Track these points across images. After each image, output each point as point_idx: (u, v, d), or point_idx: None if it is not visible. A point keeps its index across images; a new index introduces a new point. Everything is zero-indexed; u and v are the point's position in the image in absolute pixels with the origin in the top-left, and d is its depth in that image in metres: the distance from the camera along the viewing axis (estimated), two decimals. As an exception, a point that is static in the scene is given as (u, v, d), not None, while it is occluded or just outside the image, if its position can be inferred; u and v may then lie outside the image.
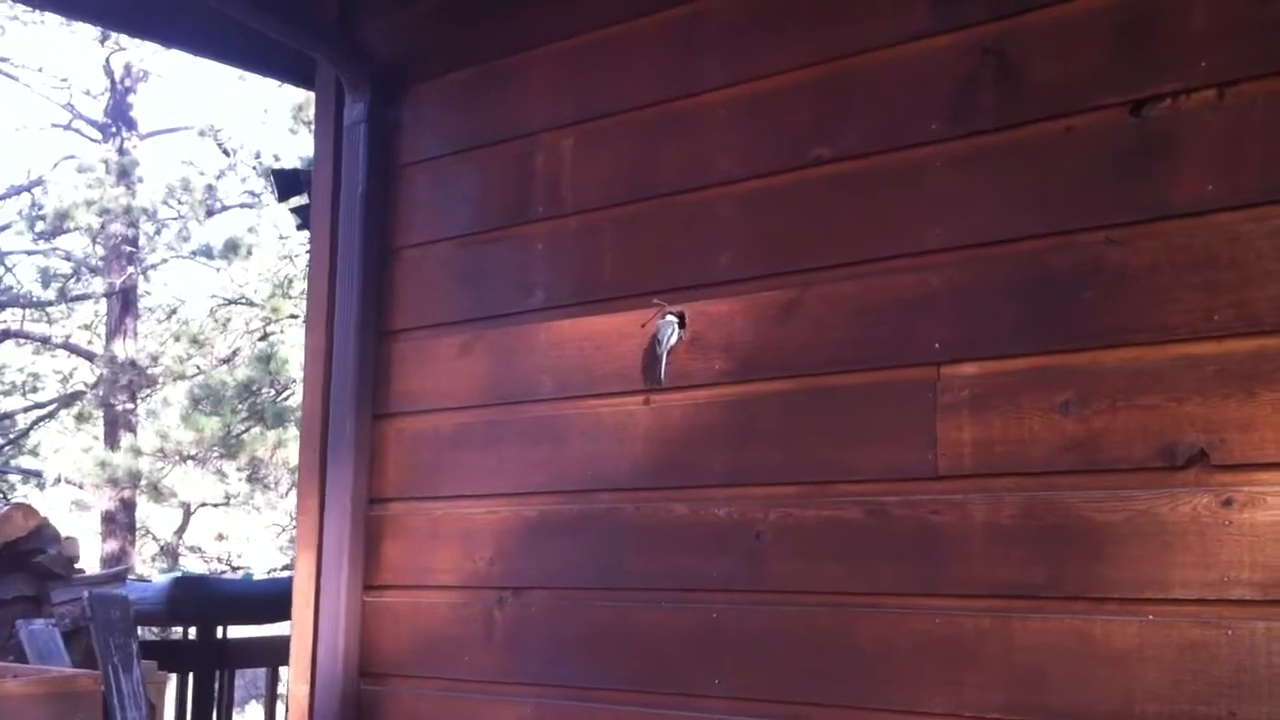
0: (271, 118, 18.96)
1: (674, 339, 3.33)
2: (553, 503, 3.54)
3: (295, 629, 4.01)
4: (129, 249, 18.40)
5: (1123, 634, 2.65)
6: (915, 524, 2.94)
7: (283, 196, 5.10)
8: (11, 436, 19.81)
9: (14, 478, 19.14)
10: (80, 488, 17.53)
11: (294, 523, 4.21)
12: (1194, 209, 2.67)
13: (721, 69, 3.38)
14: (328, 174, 4.12)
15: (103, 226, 18.08)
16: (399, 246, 3.99)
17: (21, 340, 19.78)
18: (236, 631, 6.43)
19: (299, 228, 5.01)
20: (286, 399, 16.14)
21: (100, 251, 18.81)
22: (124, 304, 18.47)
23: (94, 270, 19.13)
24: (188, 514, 18.79)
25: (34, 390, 20.47)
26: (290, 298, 17.08)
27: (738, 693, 3.15)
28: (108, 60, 19.25)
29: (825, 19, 3.22)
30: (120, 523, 17.62)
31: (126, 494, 17.20)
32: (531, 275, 3.67)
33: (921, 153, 3.03)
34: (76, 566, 5.72)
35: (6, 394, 20.15)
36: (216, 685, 5.98)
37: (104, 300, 19.00)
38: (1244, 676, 2.52)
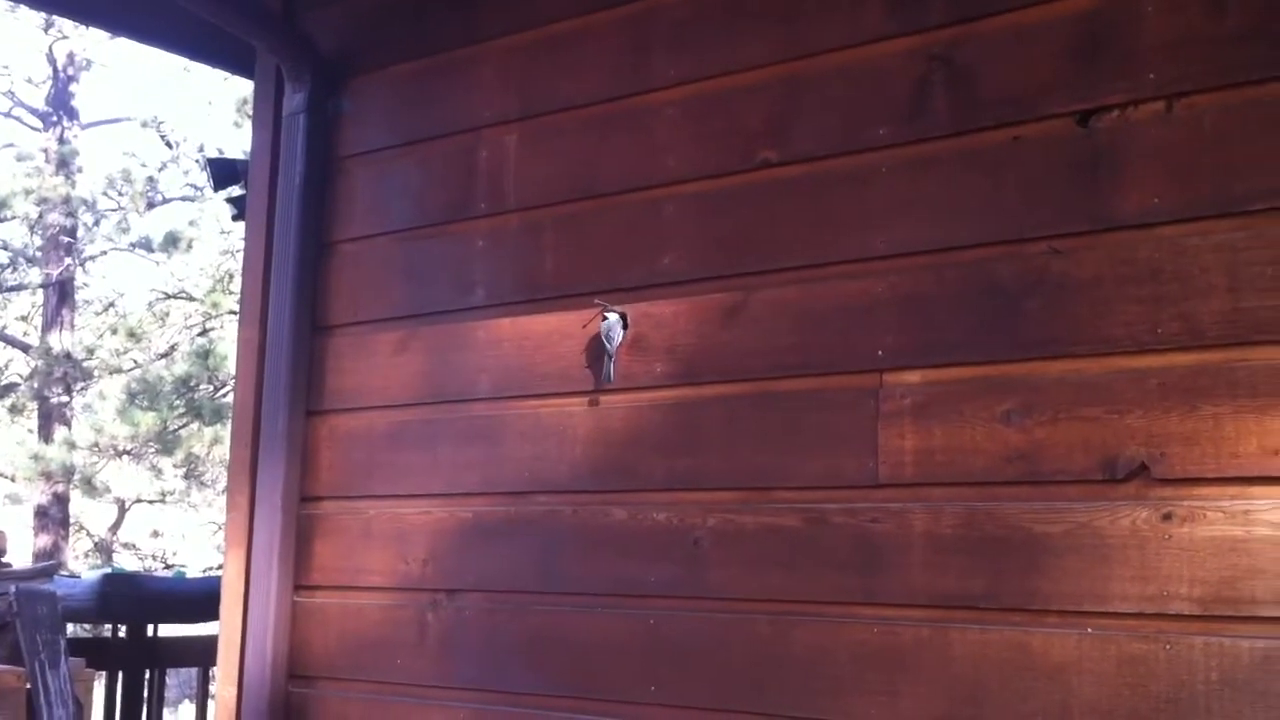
0: (215, 110, 18.85)
1: (619, 338, 3.28)
2: (489, 504, 3.49)
3: (223, 629, 3.93)
4: (67, 240, 18.17)
5: (1061, 647, 2.64)
6: (855, 532, 2.91)
7: (219, 186, 5.01)
8: (-57, 428, 19.49)
9: (-55, 470, 18.83)
10: (13, 481, 17.30)
11: (227, 521, 4.13)
12: (1139, 221, 2.65)
13: (671, 68, 3.34)
14: (265, 165, 4.04)
15: (41, 216, 17.85)
16: (337, 240, 3.92)
17: (-44, 330, 19.48)
18: (169, 630, 6.33)
19: (235, 218, 4.92)
20: (225, 395, 15.97)
21: (38, 241, 18.57)
22: (61, 295, 18.23)
23: (31, 261, 18.87)
24: (122, 510, 18.55)
25: (-33, 381, 20.16)
26: (231, 293, 16.90)
27: (673, 700, 3.11)
28: (50, 48, 19.01)
29: (777, 20, 3.18)
30: (53, 517, 17.38)
31: (60, 488, 16.98)
32: (472, 272, 3.61)
33: (869, 158, 3.01)
34: (3, 560, 5.62)
35: (-61, 384, 19.82)
36: (146, 684, 5.88)
37: (40, 291, 18.75)
38: (1182, 691, 2.50)
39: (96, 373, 17.57)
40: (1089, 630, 2.61)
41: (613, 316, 3.29)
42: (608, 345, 3.28)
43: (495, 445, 3.49)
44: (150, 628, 6.04)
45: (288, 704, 3.77)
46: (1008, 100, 2.84)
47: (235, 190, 4.97)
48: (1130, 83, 2.69)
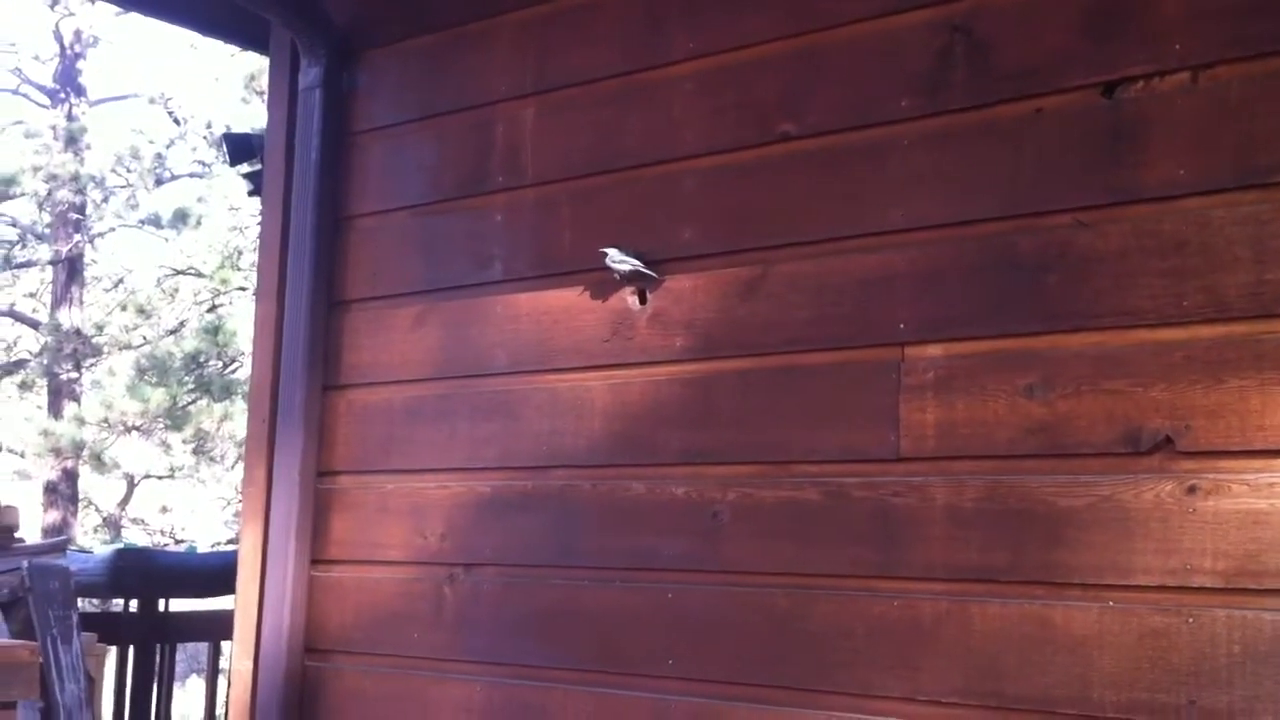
0: (223, 86, 18.81)
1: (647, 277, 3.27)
2: (506, 479, 3.49)
3: (240, 603, 3.94)
4: (76, 216, 18.17)
5: (1082, 620, 2.63)
6: (875, 506, 2.90)
7: (234, 161, 5.01)
8: (-47, 404, 19.55)
9: (-45, 446, 18.88)
10: (22, 457, 17.35)
11: (239, 496, 4.13)
12: (1164, 193, 2.64)
13: (687, 41, 3.32)
14: (281, 140, 4.03)
15: (50, 193, 17.85)
16: (353, 215, 3.91)
17: (-35, 307, 19.49)
18: (179, 605, 6.34)
19: (251, 193, 4.92)
20: (234, 371, 16.00)
21: (47, 219, 18.57)
22: (70, 272, 18.25)
23: (40, 237, 18.88)
24: (131, 485, 18.60)
25: (-23, 358, 20.19)
26: (239, 269, 16.91)
27: (691, 673, 3.11)
28: (58, 25, 19.00)
29: (794, -8, 3.16)
30: (63, 493, 17.44)
31: (69, 464, 17.02)
32: (489, 247, 3.60)
33: (889, 131, 2.99)
34: (16, 536, 5.61)
35: (-51, 361, 19.86)
36: (157, 659, 5.89)
37: (50, 268, 18.76)
38: (1204, 665, 2.50)
39: (106, 349, 17.59)
40: (1111, 603, 2.60)
41: (618, 262, 3.28)
42: (635, 293, 3.27)
43: (513, 420, 3.49)
44: (161, 603, 6.05)
45: (304, 677, 3.78)
46: (1030, 72, 2.82)
47: (246, 167, 4.97)
48: (1154, 53, 2.67)
